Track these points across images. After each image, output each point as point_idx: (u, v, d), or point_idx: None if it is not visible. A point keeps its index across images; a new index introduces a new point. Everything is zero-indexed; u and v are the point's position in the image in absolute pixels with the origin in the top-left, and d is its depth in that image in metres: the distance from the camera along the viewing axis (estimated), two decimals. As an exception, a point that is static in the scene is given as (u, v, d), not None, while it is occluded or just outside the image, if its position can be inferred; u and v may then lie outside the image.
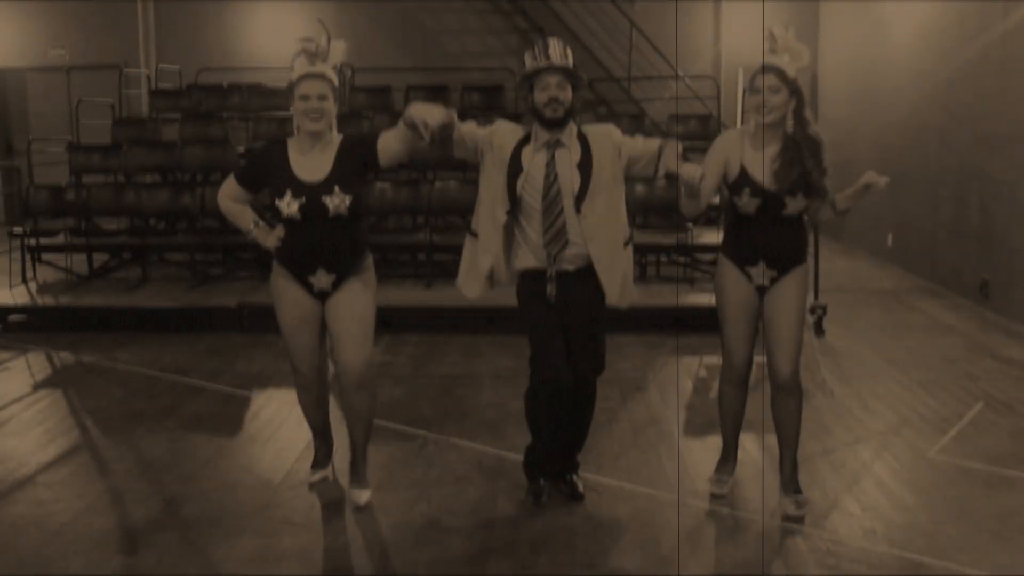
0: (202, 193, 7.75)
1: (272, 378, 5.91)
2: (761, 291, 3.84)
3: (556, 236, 3.74)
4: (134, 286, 7.64)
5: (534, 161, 3.72)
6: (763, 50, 3.71)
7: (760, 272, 3.81)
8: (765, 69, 3.65)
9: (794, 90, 3.65)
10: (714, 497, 4.08)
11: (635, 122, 9.93)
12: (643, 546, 3.66)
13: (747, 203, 3.72)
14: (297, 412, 5.14)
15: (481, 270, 3.83)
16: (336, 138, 3.76)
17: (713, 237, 7.65)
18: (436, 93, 10.79)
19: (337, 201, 3.66)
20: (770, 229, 3.75)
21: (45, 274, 8.08)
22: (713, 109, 10.44)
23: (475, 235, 3.90)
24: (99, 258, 8.40)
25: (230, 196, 3.85)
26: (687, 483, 4.23)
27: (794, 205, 3.70)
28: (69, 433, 4.95)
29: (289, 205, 3.65)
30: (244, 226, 3.84)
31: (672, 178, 3.65)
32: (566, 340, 3.81)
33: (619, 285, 3.83)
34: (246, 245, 7.87)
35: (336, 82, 3.70)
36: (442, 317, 7.06)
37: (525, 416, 3.99)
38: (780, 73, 3.63)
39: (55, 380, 6.02)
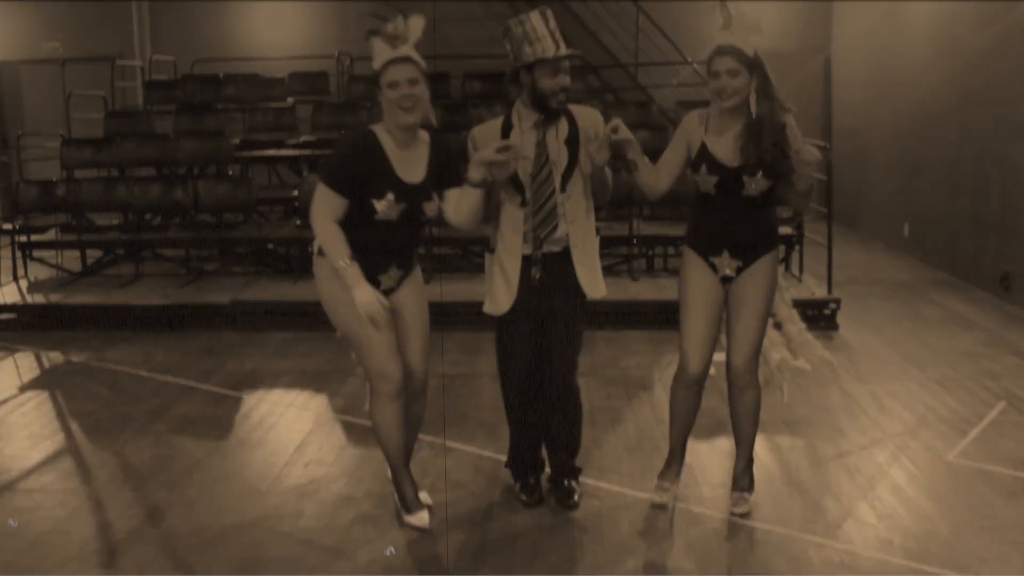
0: (195, 186, 7.55)
1: (264, 378, 5.72)
2: (727, 282, 3.66)
3: (546, 219, 3.61)
4: (126, 283, 7.46)
5: (524, 142, 3.57)
6: (717, 27, 3.50)
7: (724, 262, 3.62)
8: (720, 51, 3.44)
9: (754, 67, 3.43)
10: (655, 507, 3.86)
11: (642, 109, 9.69)
12: (645, 557, 3.46)
13: (704, 180, 3.54)
14: (289, 414, 5.02)
15: (512, 279, 3.64)
16: (424, 135, 3.51)
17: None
18: (436, 81, 10.56)
19: (433, 206, 3.48)
20: (734, 214, 3.56)
21: (37, 271, 7.90)
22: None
23: (493, 250, 3.73)
24: (93, 254, 8.23)
25: (330, 213, 3.33)
26: (692, 489, 4.02)
27: (754, 185, 3.49)
28: (53, 437, 4.78)
29: (390, 208, 3.35)
30: (338, 258, 3.29)
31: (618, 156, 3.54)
32: (543, 333, 3.68)
33: (593, 275, 3.72)
34: (241, 240, 7.68)
35: (423, 64, 3.37)
36: (443, 313, 6.83)
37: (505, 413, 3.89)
38: (737, 53, 3.42)
39: (42, 382, 5.84)
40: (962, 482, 4.13)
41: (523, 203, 3.59)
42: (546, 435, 3.88)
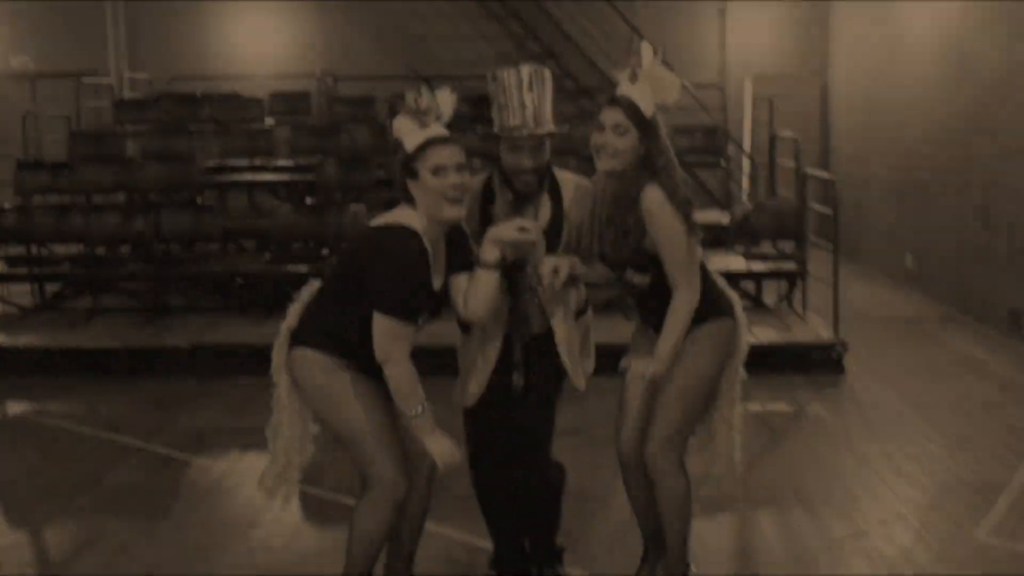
0: (157, 215, 7.04)
1: (218, 437, 5.18)
2: None
3: (524, 316, 3.11)
4: (80, 321, 6.93)
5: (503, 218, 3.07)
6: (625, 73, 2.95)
7: (652, 339, 3.08)
8: (613, 101, 2.92)
9: (646, 131, 2.89)
10: None
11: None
12: None
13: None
14: (240, 484, 4.43)
15: (490, 363, 3.14)
16: None
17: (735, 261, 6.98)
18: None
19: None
20: (643, 296, 3.08)
21: (-12, 306, 7.39)
22: (719, 120, 9.73)
23: (467, 330, 3.20)
24: (53, 286, 7.70)
25: (407, 348, 2.77)
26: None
27: (641, 280, 3.01)
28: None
29: (422, 322, 2.86)
30: (413, 404, 2.78)
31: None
32: (516, 410, 3.17)
33: (578, 361, 3.22)
34: (206, 274, 7.17)
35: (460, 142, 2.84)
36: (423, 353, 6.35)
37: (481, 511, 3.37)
38: (631, 108, 2.88)
39: (-33, 441, 5.29)
40: (995, 566, 3.65)
41: (508, 289, 3.08)
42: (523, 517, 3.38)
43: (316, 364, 2.87)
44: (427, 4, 11.62)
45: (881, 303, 8.51)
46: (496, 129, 2.98)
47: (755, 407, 5.44)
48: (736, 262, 6.98)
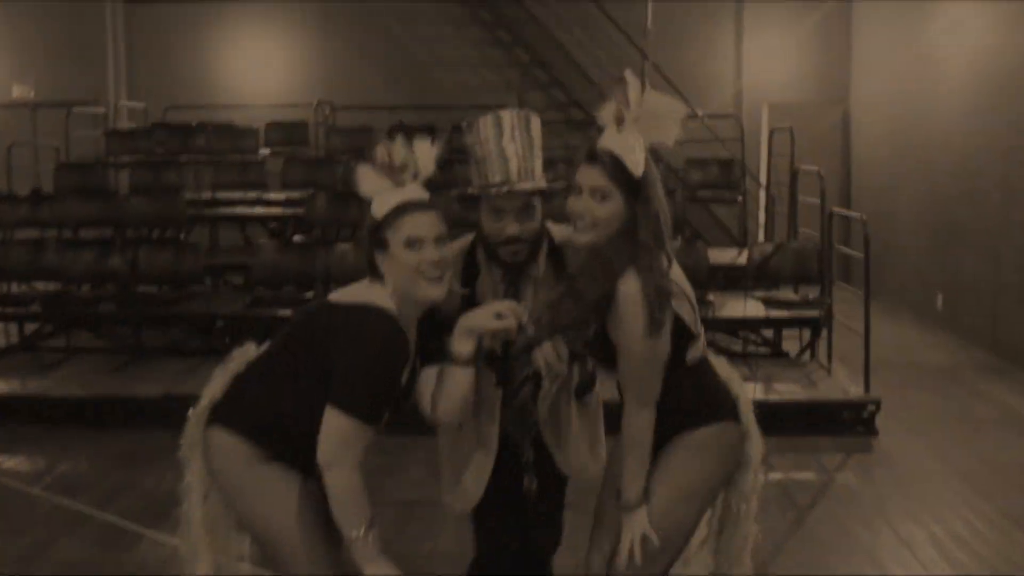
0: (134, 253, 6.59)
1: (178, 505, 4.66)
2: None
3: (523, 412, 2.59)
4: (51, 365, 6.47)
5: (492, 292, 2.55)
6: (604, 119, 2.32)
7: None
8: (591, 157, 2.29)
9: (633, 194, 2.26)
10: None
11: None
12: None
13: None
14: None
15: (485, 472, 2.62)
16: None
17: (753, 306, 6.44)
18: (422, 133, 9.65)
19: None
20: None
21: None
22: (736, 152, 9.23)
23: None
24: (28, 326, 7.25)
25: (359, 456, 2.27)
26: None
27: (576, 374, 2.56)
28: None
29: (382, 424, 2.35)
30: (355, 526, 2.25)
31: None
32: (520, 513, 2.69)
33: (584, 453, 2.70)
34: (183, 317, 6.69)
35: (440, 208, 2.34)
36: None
37: None
38: (615, 167, 2.25)
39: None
40: None
41: (500, 381, 2.56)
42: None
43: (235, 452, 2.36)
44: (431, 30, 11.26)
45: (910, 349, 7.95)
46: (474, 188, 2.46)
47: (776, 476, 4.91)
48: (754, 307, 6.45)
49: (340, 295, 2.37)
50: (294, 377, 2.33)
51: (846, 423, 5.70)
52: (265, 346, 2.50)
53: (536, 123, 2.48)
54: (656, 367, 2.33)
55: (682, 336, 2.37)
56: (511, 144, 2.40)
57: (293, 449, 2.35)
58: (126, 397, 5.87)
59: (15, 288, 7.18)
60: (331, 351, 2.26)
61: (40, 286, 7.34)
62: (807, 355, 6.64)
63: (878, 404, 5.72)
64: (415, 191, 2.33)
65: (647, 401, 2.35)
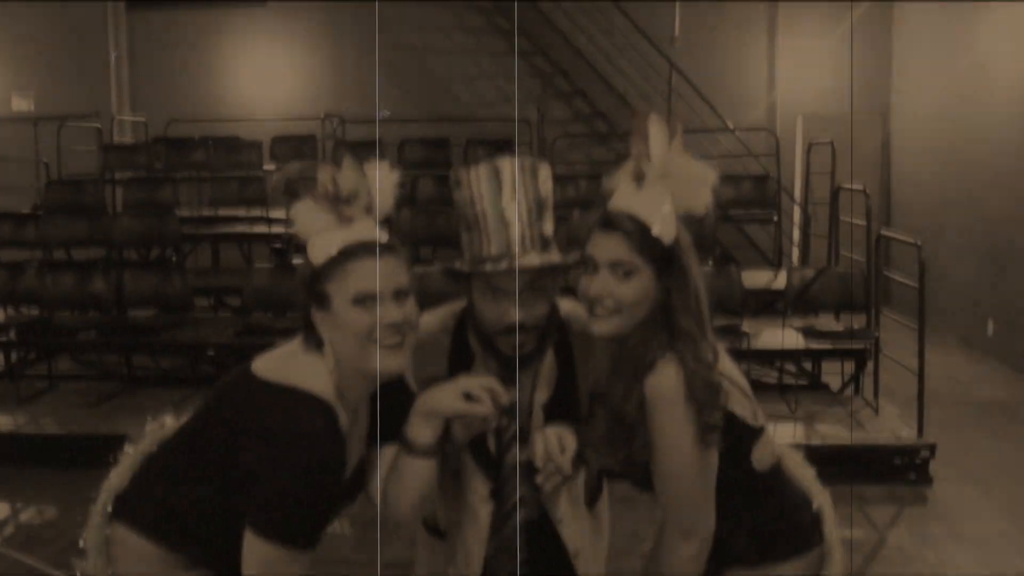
0: (118, 276, 6.12)
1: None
2: None
3: (510, 539, 1.98)
4: (28, 398, 6.00)
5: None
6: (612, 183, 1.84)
7: None
8: (607, 223, 1.78)
9: (665, 266, 1.76)
10: None
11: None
12: None
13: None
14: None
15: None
16: None
17: (791, 336, 5.84)
18: (435, 148, 9.17)
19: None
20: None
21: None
22: (771, 168, 8.64)
23: (437, 531, 2.11)
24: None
25: None
26: None
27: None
28: None
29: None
30: None
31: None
32: None
33: (589, 545, 2.09)
34: (170, 346, 6.20)
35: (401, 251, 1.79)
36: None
37: None
38: (639, 234, 1.75)
39: None
40: None
41: (495, 491, 1.98)
42: None
43: (140, 557, 1.83)
44: (446, 39, 10.79)
45: (960, 382, 7.31)
46: (464, 263, 1.88)
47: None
48: (792, 337, 5.86)
49: (265, 365, 1.80)
50: (203, 471, 1.80)
51: (897, 470, 5.10)
52: (183, 419, 1.97)
53: (545, 173, 1.89)
54: (707, 486, 1.77)
55: (741, 437, 1.81)
56: (513, 204, 1.83)
57: (214, 556, 1.81)
58: (105, 434, 5.37)
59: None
60: (242, 450, 1.71)
61: (27, 311, 6.93)
62: (850, 390, 6.04)
63: (932, 449, 5.11)
64: (367, 230, 1.74)
65: (694, 531, 1.78)
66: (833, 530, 1.95)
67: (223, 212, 8.18)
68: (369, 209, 1.76)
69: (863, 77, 10.36)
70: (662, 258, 1.75)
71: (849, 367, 6.14)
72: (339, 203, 1.72)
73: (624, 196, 1.78)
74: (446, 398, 1.77)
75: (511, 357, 1.88)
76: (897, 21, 10.33)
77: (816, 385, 6.27)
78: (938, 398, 6.51)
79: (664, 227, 1.75)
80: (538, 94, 10.50)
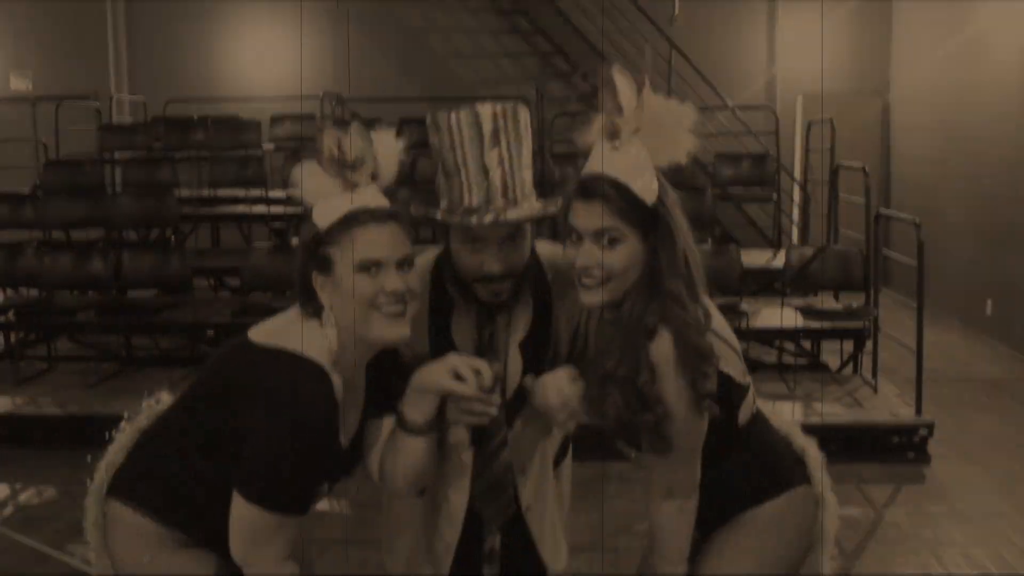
0: (117, 256, 6.11)
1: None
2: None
3: (498, 482, 1.98)
4: (28, 379, 6.01)
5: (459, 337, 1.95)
6: (593, 139, 1.77)
7: None
8: (585, 188, 1.72)
9: (651, 228, 1.71)
10: None
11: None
12: None
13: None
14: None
15: (450, 548, 2.02)
16: None
17: (789, 315, 5.84)
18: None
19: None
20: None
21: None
22: (770, 146, 8.62)
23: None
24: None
25: (282, 551, 1.73)
26: None
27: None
28: None
29: (317, 500, 1.85)
30: None
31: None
32: None
33: (555, 538, 2.09)
34: (169, 326, 6.20)
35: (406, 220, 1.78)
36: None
37: None
38: (621, 196, 1.69)
39: None
40: None
41: (473, 441, 1.97)
42: None
43: (137, 533, 1.84)
44: (447, 17, 10.73)
45: (959, 360, 7.32)
46: (442, 213, 1.84)
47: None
48: (791, 316, 5.86)
49: (262, 332, 1.80)
50: (199, 442, 1.81)
51: (895, 448, 5.12)
52: (178, 394, 1.97)
53: (525, 118, 1.84)
54: (695, 449, 1.78)
55: (730, 394, 1.81)
56: (494, 151, 1.78)
57: (212, 532, 1.82)
58: (104, 415, 5.37)
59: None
60: (236, 414, 1.72)
61: (26, 292, 6.93)
62: (849, 369, 6.05)
63: (931, 428, 5.13)
64: (373, 197, 1.76)
65: (681, 492, 1.80)
66: (821, 474, 1.96)
67: (222, 192, 8.16)
68: (375, 176, 1.76)
69: (863, 56, 10.32)
70: (647, 220, 1.71)
71: (848, 346, 6.15)
72: (345, 168, 1.72)
73: (600, 159, 1.72)
74: (434, 375, 1.78)
75: (489, 304, 1.87)
76: (897, 1, 10.26)
77: (815, 364, 6.29)
78: (937, 377, 6.52)
79: (645, 187, 1.70)
80: (537, 73, 10.45)
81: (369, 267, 1.70)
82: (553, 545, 2.07)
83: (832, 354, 6.30)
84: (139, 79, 11.10)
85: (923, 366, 5.34)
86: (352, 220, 1.71)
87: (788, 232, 9.11)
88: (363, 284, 1.70)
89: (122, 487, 1.88)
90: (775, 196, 8.19)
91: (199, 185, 8.31)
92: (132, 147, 9.03)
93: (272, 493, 1.69)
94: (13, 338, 6.42)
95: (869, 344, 5.86)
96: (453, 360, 1.78)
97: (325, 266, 1.73)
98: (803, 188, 8.54)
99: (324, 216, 1.73)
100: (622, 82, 1.71)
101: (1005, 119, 7.73)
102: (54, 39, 11.06)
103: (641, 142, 1.71)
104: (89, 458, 2.02)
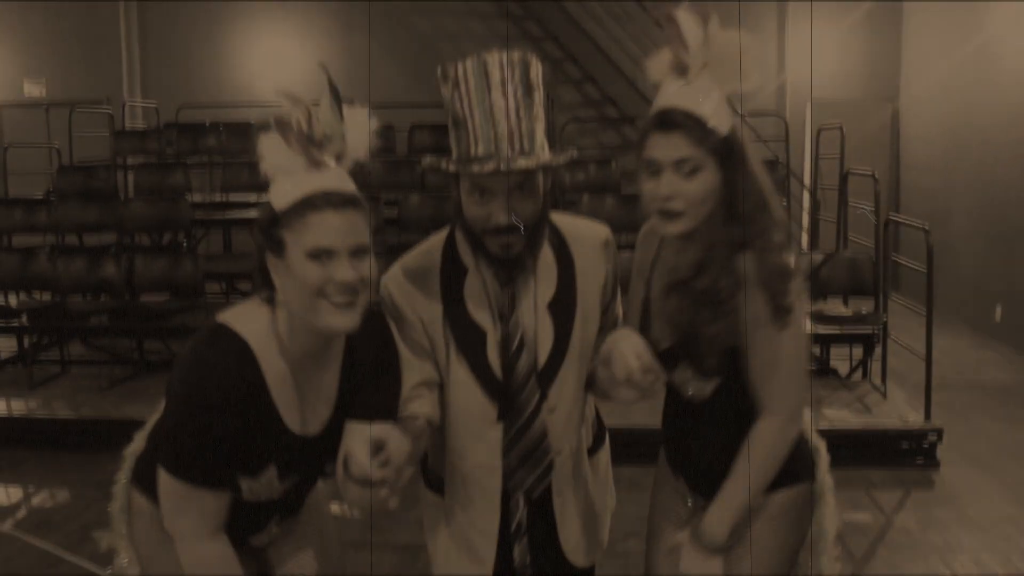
0: (130, 261, 6.16)
1: None
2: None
3: (531, 452, 1.96)
4: (40, 383, 6.06)
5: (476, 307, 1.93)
6: (660, 71, 1.84)
7: (683, 490, 2.02)
8: (663, 120, 1.77)
9: (727, 157, 1.77)
10: None
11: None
12: None
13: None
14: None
15: (484, 551, 2.01)
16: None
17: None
18: (444, 133, 9.17)
19: (338, 464, 1.77)
20: (691, 419, 1.95)
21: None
22: (779, 153, 8.63)
23: (437, 489, 2.09)
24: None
25: (206, 523, 1.73)
26: None
27: (691, 387, 1.90)
28: None
29: (269, 487, 1.81)
30: None
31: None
32: None
33: (582, 532, 2.07)
34: (180, 329, 6.25)
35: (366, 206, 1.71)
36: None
37: None
38: (698, 130, 1.75)
39: None
40: None
41: (500, 416, 1.93)
42: None
43: (146, 519, 1.87)
44: (457, 24, 10.78)
45: (968, 366, 7.31)
46: (451, 163, 1.81)
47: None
48: (801, 322, 5.86)
49: (227, 311, 1.78)
50: None
51: (904, 454, 5.12)
52: None
53: (537, 69, 1.84)
54: (793, 371, 1.84)
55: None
56: (502, 100, 1.77)
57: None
58: (117, 419, 5.44)
59: (11, 299, 6.81)
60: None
61: (39, 296, 6.99)
62: (858, 374, 6.05)
63: (940, 433, 5.12)
64: (336, 179, 1.67)
65: (791, 413, 1.85)
66: (826, 476, 1.99)
67: (234, 197, 8.22)
68: (341, 157, 1.70)
69: (872, 62, 10.32)
70: (722, 149, 1.77)
71: (857, 352, 6.15)
72: (311, 145, 1.66)
73: (672, 94, 1.78)
74: (351, 441, 1.69)
75: (502, 259, 1.86)
76: (906, 5, 10.26)
77: (824, 370, 6.28)
78: (946, 382, 6.53)
79: (719, 118, 1.77)
80: (548, 79, 10.47)
81: (320, 255, 1.62)
82: (577, 539, 2.05)
83: (841, 359, 6.30)
84: (152, 85, 11.19)
85: (932, 371, 5.34)
86: (307, 204, 1.63)
87: (797, 238, 9.11)
88: (313, 272, 1.62)
89: (138, 474, 1.93)
90: (785, 202, 8.18)
91: (211, 190, 8.39)
92: (145, 152, 9.11)
93: (175, 460, 1.68)
94: (27, 342, 6.47)
95: (878, 350, 5.86)
96: (348, 443, 1.68)
97: (278, 248, 1.66)
98: (813, 194, 8.54)
99: (280, 197, 1.66)
100: (686, 20, 1.77)
101: (1015, 126, 7.73)
102: (68, 45, 11.17)
103: (710, 75, 1.78)
104: (103, 461, 2.04)
